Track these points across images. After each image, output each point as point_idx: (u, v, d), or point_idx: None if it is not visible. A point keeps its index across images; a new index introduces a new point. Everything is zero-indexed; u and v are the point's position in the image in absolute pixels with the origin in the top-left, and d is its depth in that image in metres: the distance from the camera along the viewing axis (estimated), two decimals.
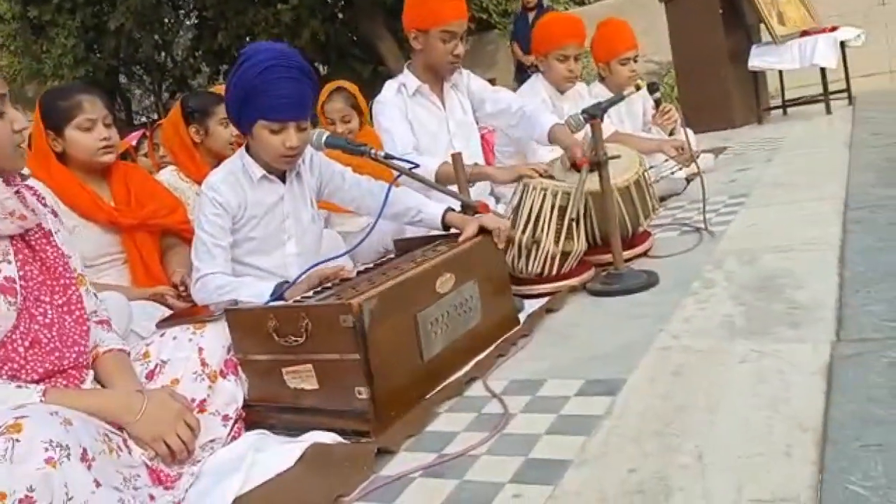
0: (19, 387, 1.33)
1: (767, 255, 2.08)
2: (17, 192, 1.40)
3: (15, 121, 1.36)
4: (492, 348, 1.79)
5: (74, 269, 1.54)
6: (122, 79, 12.65)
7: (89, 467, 1.17)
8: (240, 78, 1.89)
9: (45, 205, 1.58)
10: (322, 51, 10.03)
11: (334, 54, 10.30)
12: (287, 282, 1.81)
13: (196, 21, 11.57)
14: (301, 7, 9.24)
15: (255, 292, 1.79)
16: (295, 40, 9.33)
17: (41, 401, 1.31)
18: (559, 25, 3.17)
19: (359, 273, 1.80)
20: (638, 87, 2.25)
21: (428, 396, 1.57)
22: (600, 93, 3.40)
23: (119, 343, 1.58)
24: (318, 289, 1.72)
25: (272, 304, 1.66)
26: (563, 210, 2.12)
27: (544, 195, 2.12)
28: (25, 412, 1.19)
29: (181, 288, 2.23)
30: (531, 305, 2.07)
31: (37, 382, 1.38)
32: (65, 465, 1.13)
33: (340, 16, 10.46)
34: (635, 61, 3.52)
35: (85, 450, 1.18)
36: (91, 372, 1.49)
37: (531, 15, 7.18)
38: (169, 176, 2.75)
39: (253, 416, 1.59)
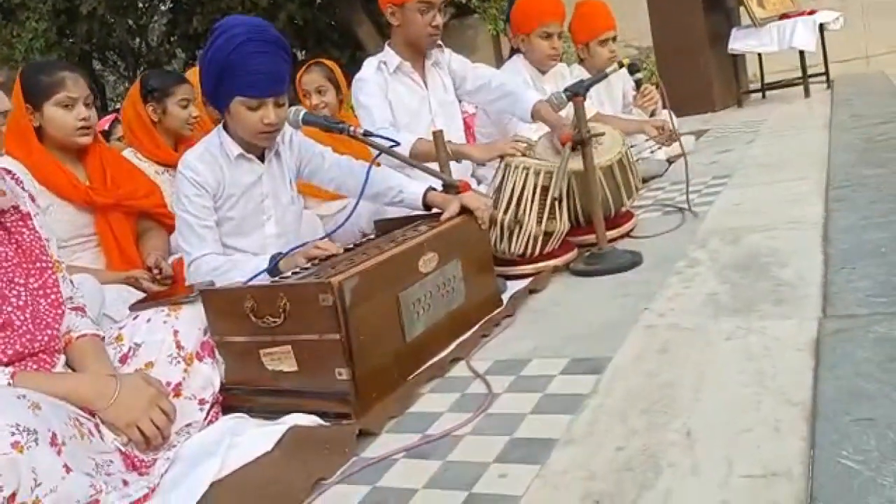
0: None
1: (751, 235, 2.07)
2: None
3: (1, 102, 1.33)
4: (475, 329, 1.76)
5: (51, 255, 1.50)
6: (97, 65, 12.38)
7: (59, 452, 1.13)
8: (214, 54, 1.83)
9: (23, 188, 1.53)
10: (299, 36, 9.89)
11: (312, 39, 10.16)
12: (280, 253, 1.77)
13: (171, 5, 11.35)
14: None
15: (251, 267, 1.76)
16: (273, 24, 9.19)
17: (9, 384, 1.27)
18: (540, 3, 3.12)
19: (341, 253, 1.76)
20: (621, 65, 2.22)
21: (410, 377, 1.54)
22: (581, 74, 3.37)
23: (93, 328, 1.54)
24: (297, 269, 1.67)
25: (250, 283, 1.62)
26: (545, 189, 2.09)
27: (526, 174, 2.09)
28: None
29: (156, 271, 2.18)
30: (514, 286, 2.04)
31: (6, 365, 1.33)
32: (32, 449, 1.09)
33: (318, 0, 10.32)
34: (614, 41, 3.49)
35: (54, 434, 1.14)
36: (62, 357, 1.45)
37: None
38: (128, 155, 2.68)
39: (230, 400, 1.55)
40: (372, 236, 2.00)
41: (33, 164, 2.09)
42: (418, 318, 1.58)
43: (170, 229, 2.41)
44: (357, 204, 1.92)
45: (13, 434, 1.08)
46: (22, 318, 1.39)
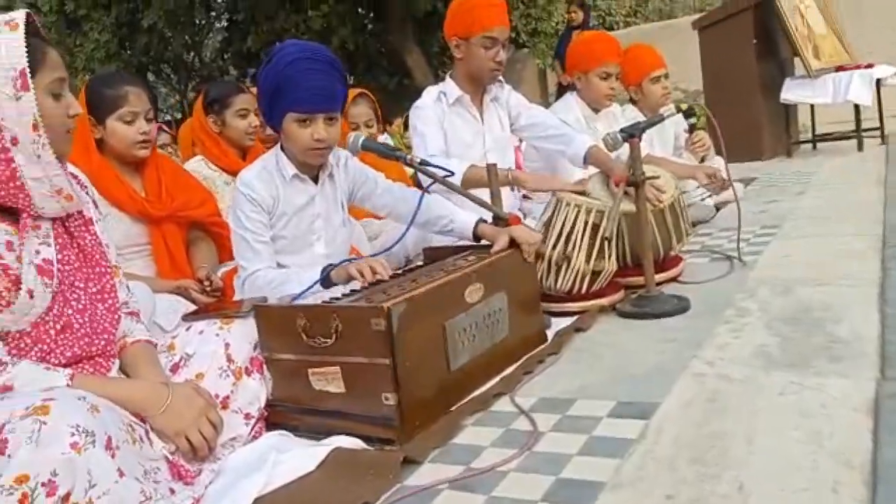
0: (48, 369, 1.32)
1: (803, 287, 2.04)
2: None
3: (70, 106, 1.36)
4: (519, 364, 1.75)
5: (110, 260, 1.53)
6: (150, 76, 12.76)
7: (113, 456, 1.15)
8: (269, 72, 1.90)
9: (87, 194, 1.57)
10: (349, 60, 10.08)
11: (362, 64, 10.35)
12: (331, 265, 1.80)
13: (226, 23, 11.69)
14: (331, 15, 9.31)
15: (304, 279, 1.80)
16: None
17: (68, 385, 1.30)
18: (601, 43, 3.16)
19: (391, 278, 1.77)
20: (679, 110, 2.23)
21: (454, 408, 1.54)
22: (632, 115, 3.38)
23: (146, 335, 1.57)
24: (348, 291, 1.69)
25: (304, 302, 1.64)
26: (596, 228, 2.09)
27: (578, 211, 2.09)
28: (53, 395, 1.17)
29: (206, 283, 2.22)
30: (559, 323, 2.03)
31: (64, 367, 1.36)
32: (90, 451, 1.11)
33: (370, 26, 10.53)
34: (666, 78, 3.50)
35: (110, 438, 1.16)
36: (117, 361, 1.47)
37: (576, 34, 7.20)
38: (196, 164, 2.76)
39: (275, 417, 1.56)
40: (420, 263, 2.01)
41: (93, 174, 2.13)
42: (463, 347, 1.58)
43: (220, 238, 2.46)
44: (406, 231, 1.95)
45: (72, 434, 1.11)
46: (81, 321, 1.42)
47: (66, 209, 1.40)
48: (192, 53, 12.09)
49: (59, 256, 1.40)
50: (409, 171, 2.91)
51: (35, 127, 1.26)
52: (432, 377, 1.50)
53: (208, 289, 2.20)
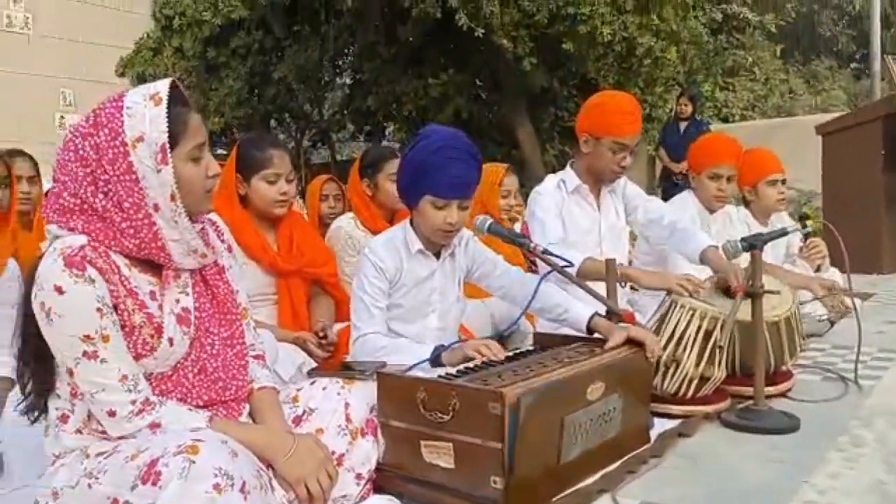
0: (189, 410, 1.44)
1: None
2: (202, 228, 1.53)
3: (209, 167, 1.47)
4: (621, 462, 1.76)
5: (240, 304, 1.63)
6: (272, 122, 13.54)
7: (245, 499, 1.25)
8: (415, 154, 2.03)
9: (222, 240, 1.69)
10: (461, 128, 10.40)
11: (473, 133, 10.64)
12: (443, 346, 1.88)
13: (350, 81, 12.34)
14: (449, 83, 9.68)
15: (415, 354, 1.88)
16: (438, 114, 9.77)
17: (207, 426, 1.41)
18: (715, 144, 3.19)
19: (503, 360, 1.83)
20: (804, 226, 2.22)
21: (556, 498, 1.57)
22: (746, 217, 3.36)
23: (271, 381, 1.67)
24: (462, 369, 1.76)
25: (425, 376, 1.71)
26: (708, 334, 2.09)
27: (692, 315, 2.10)
28: (201, 436, 1.29)
29: (322, 337, 2.34)
30: (661, 424, 2.03)
31: (201, 409, 1.48)
32: (228, 493, 1.21)
33: (484, 96, 10.87)
34: (783, 184, 3.45)
35: (245, 482, 1.26)
36: (247, 406, 1.58)
37: (683, 125, 7.25)
38: (346, 222, 2.92)
39: (382, 480, 1.63)
40: (530, 347, 2.06)
41: (234, 225, 2.32)
42: (576, 442, 1.61)
43: (337, 297, 2.60)
44: (521, 315, 2.02)
45: (216, 476, 1.22)
46: (214, 365, 1.52)
47: (202, 263, 1.52)
48: (314, 106, 12.77)
49: (196, 304, 1.51)
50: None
51: (173, 197, 1.38)
52: (541, 467, 1.54)
53: (324, 343, 2.33)
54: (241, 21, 10.49)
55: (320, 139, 13.76)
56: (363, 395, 1.66)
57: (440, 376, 1.69)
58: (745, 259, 2.21)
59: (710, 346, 2.07)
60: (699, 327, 2.09)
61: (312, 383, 1.70)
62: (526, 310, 2.04)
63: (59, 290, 1.31)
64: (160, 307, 1.44)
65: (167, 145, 1.37)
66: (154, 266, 1.45)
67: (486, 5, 7.10)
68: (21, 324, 1.41)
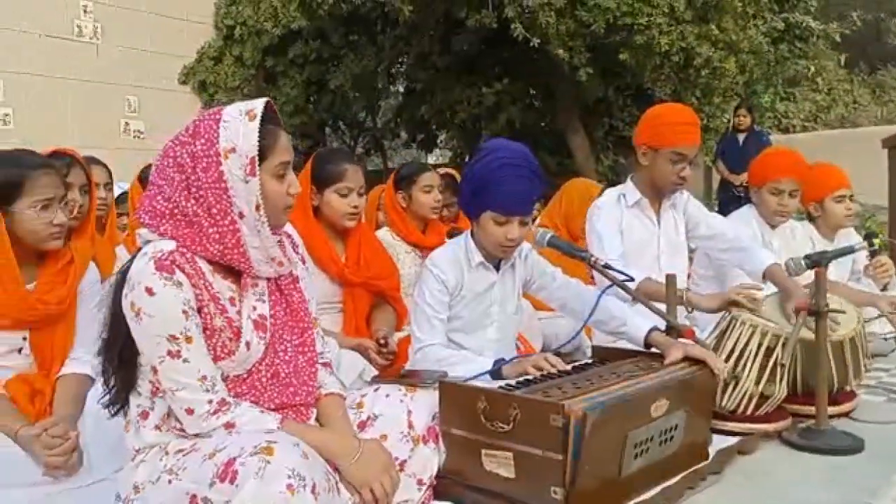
0: (262, 412, 1.51)
1: None
2: (280, 241, 1.60)
3: (291, 185, 1.56)
4: (680, 477, 1.77)
5: (311, 313, 1.71)
6: (327, 131, 13.78)
7: (316, 500, 1.30)
8: (479, 170, 2.07)
9: (297, 253, 1.77)
10: (514, 137, 10.41)
11: (526, 141, 10.63)
12: (504, 359, 1.91)
13: (404, 90, 12.47)
14: (503, 92, 9.70)
15: (475, 367, 1.92)
16: (491, 123, 9.80)
17: (278, 428, 1.47)
18: (777, 158, 3.14)
19: (562, 373, 1.86)
20: (871, 244, 2.19)
21: None
22: (810, 232, 3.30)
23: (338, 387, 1.73)
24: (522, 379, 1.79)
25: (486, 386, 1.75)
26: (769, 351, 2.07)
27: (753, 332, 2.09)
28: (275, 438, 1.35)
29: (382, 344, 2.40)
30: (719, 440, 2.02)
31: (271, 412, 1.54)
32: (300, 494, 1.27)
33: (537, 104, 10.86)
34: (851, 199, 3.37)
35: (315, 484, 1.32)
36: (314, 410, 1.64)
37: (741, 136, 7.17)
38: (383, 234, 3.03)
39: (443, 487, 1.67)
40: (589, 360, 2.07)
41: (306, 236, 2.41)
42: (637, 457, 1.63)
43: (397, 308, 2.66)
44: (582, 328, 2.04)
45: (289, 477, 1.28)
46: (286, 371, 1.59)
47: (278, 272, 1.59)
48: (368, 114, 12.95)
49: (272, 312, 1.58)
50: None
51: (258, 207, 1.47)
52: (601, 479, 1.56)
53: (384, 351, 2.39)
54: (299, 31, 10.71)
55: (373, 147, 13.94)
56: (425, 403, 1.71)
57: (500, 387, 1.73)
58: (809, 276, 2.18)
59: (770, 363, 2.06)
60: (760, 344, 2.08)
61: (376, 390, 1.75)
62: (585, 324, 2.06)
63: (150, 292, 1.39)
64: (239, 312, 1.51)
65: (256, 158, 1.45)
66: (234, 273, 1.53)
67: (543, 16, 7.10)
68: (109, 322, 1.49)
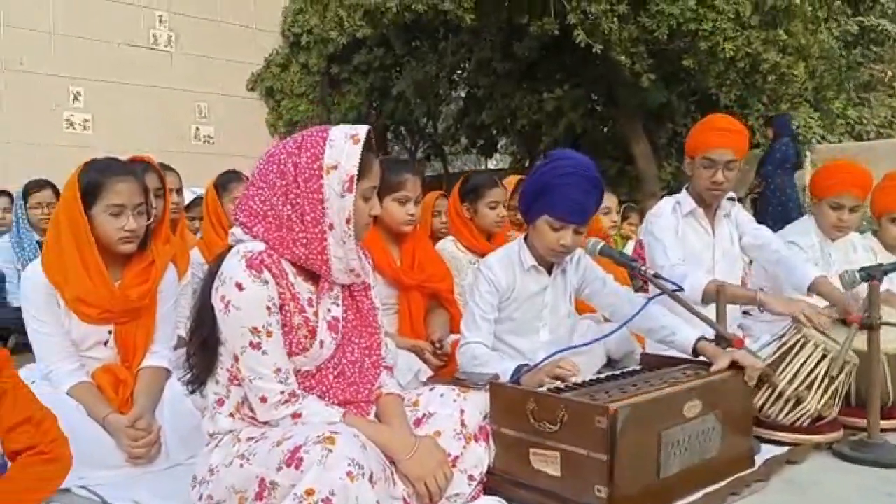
0: (327, 405, 1.63)
1: None
2: (360, 254, 1.72)
3: (374, 207, 1.70)
4: (724, 483, 1.80)
5: (379, 320, 1.81)
6: (389, 136, 14.01)
7: (373, 488, 1.42)
8: (542, 175, 2.15)
9: (369, 262, 1.88)
10: (574, 143, 10.40)
11: (587, 148, 10.61)
12: (526, 366, 1.98)
13: (465, 96, 12.59)
14: (564, 98, 9.71)
15: (500, 369, 2.00)
16: (552, 129, 9.80)
17: (341, 421, 1.59)
18: (841, 172, 3.06)
19: (609, 378, 1.92)
20: None
21: None
22: (871, 245, 3.23)
23: (398, 388, 1.83)
24: (570, 384, 1.85)
25: (535, 389, 1.82)
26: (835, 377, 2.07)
27: (822, 356, 2.08)
28: (337, 429, 1.47)
29: (437, 345, 2.51)
30: (768, 450, 2.04)
31: (335, 406, 1.65)
32: (359, 482, 1.38)
33: (599, 109, 10.80)
34: None
35: (372, 473, 1.43)
36: (374, 408, 1.75)
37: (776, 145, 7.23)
38: (447, 244, 3.10)
39: (492, 483, 1.75)
40: (637, 367, 2.12)
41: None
42: (674, 458, 1.68)
43: (451, 311, 2.76)
44: (619, 328, 2.11)
45: (349, 465, 1.38)
46: (352, 370, 1.71)
47: (353, 281, 1.71)
48: (429, 120, 13.12)
49: (344, 315, 1.70)
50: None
51: (348, 221, 1.59)
52: (642, 480, 1.62)
53: (439, 352, 2.50)
54: (363, 39, 10.95)
55: (434, 152, 14.10)
56: (477, 402, 1.80)
57: (549, 389, 1.80)
58: (864, 289, 2.18)
59: (833, 385, 2.06)
60: (828, 368, 2.06)
61: (431, 389, 1.85)
62: (626, 324, 2.12)
63: (239, 287, 1.53)
64: (315, 313, 1.64)
65: (355, 177, 1.58)
66: (314, 277, 1.66)
67: (605, 22, 7.09)
68: (197, 311, 1.64)
